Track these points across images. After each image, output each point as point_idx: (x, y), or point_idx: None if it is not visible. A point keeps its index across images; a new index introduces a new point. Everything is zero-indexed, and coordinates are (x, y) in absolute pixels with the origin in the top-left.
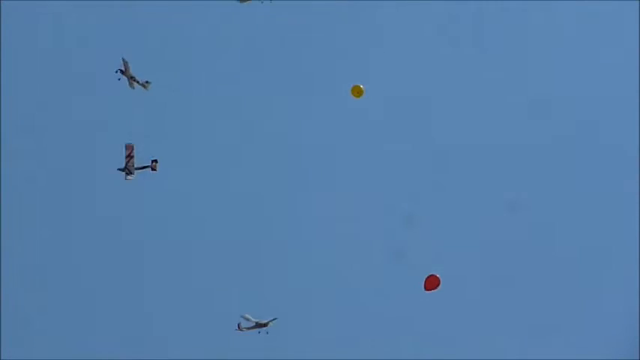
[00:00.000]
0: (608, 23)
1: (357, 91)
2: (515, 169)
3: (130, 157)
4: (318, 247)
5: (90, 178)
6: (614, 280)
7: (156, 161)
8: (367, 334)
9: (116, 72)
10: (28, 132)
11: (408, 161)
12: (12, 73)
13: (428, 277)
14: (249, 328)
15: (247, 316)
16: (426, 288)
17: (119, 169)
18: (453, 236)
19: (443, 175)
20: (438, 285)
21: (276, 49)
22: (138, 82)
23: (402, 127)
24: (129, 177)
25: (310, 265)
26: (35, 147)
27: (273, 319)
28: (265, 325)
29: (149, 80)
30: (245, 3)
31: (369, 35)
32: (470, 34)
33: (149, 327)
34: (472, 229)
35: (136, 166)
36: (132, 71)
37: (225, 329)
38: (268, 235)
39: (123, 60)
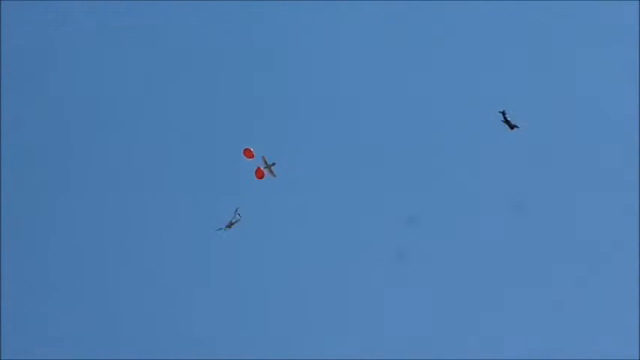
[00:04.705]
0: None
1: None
2: (521, 169)
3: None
4: (319, 248)
5: (89, 178)
6: (615, 280)
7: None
8: (368, 333)
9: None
10: (28, 131)
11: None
12: (12, 73)
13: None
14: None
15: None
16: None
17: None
18: (455, 236)
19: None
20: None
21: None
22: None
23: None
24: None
25: (312, 265)
26: (34, 147)
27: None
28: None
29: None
30: None
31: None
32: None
33: (149, 327)
34: (476, 229)
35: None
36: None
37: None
38: (266, 235)
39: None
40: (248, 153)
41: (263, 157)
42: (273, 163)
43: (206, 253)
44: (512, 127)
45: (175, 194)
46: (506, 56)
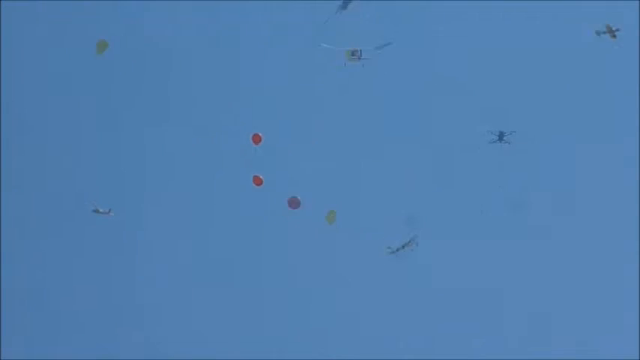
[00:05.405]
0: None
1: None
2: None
3: None
4: (318, 248)
5: (89, 177)
6: (614, 280)
7: None
8: (367, 334)
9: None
10: (28, 132)
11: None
12: (12, 73)
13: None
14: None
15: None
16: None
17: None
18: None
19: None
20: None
21: None
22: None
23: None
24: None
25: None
26: (34, 147)
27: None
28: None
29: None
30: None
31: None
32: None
33: (149, 327)
34: (475, 228)
35: None
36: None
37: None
38: (266, 235)
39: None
40: (256, 138)
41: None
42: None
43: (204, 253)
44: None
45: (176, 195)
46: (503, 53)
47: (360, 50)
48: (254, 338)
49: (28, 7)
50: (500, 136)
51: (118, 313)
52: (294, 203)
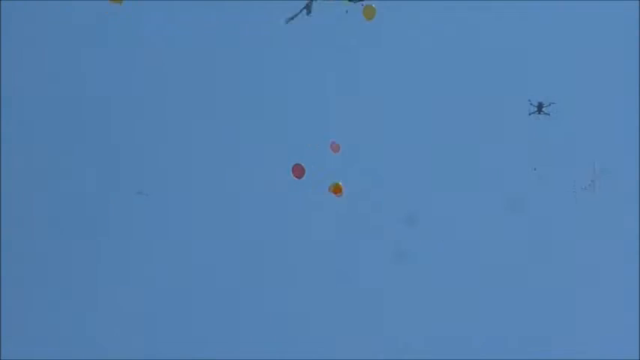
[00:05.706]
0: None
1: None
2: (520, 167)
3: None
4: (319, 247)
5: (88, 177)
6: (614, 281)
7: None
8: (367, 334)
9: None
10: (29, 131)
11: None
12: (12, 73)
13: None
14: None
15: None
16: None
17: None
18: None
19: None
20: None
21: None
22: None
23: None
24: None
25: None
26: (35, 146)
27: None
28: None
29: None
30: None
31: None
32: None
33: (149, 327)
34: (475, 228)
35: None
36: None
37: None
38: (268, 235)
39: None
40: (335, 147)
41: None
42: None
43: (204, 254)
44: None
45: (176, 195)
46: (504, 52)
47: None
48: (254, 338)
49: (28, 7)
50: (539, 108)
51: (118, 313)
52: (298, 171)
